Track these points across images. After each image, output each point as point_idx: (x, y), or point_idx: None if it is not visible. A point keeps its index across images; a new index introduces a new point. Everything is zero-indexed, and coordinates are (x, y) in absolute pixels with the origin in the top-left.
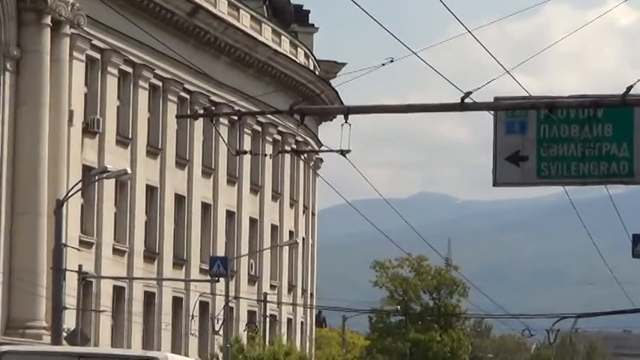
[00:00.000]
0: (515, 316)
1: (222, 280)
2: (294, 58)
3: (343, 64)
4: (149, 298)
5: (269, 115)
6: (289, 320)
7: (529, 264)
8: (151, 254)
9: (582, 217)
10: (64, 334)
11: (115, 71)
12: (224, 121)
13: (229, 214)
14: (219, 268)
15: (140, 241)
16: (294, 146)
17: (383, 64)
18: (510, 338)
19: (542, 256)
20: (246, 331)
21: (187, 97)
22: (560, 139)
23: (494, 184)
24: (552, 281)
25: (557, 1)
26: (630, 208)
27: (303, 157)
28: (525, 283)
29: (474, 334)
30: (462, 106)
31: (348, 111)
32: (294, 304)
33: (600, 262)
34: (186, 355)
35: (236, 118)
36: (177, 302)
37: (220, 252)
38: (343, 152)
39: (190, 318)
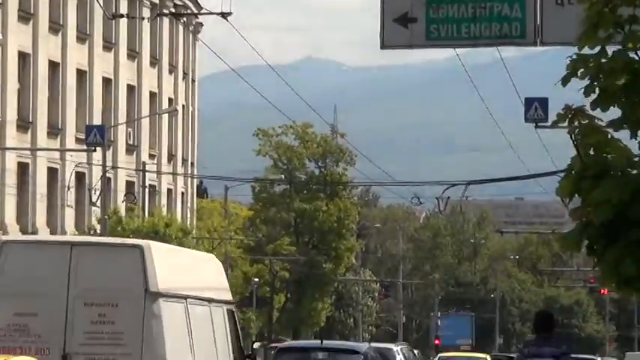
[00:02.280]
0: (403, 183)
1: (99, 149)
2: None
3: None
4: (23, 168)
5: None
6: (169, 191)
7: (418, 131)
8: (25, 123)
9: (474, 81)
10: None
11: None
12: None
13: (106, 81)
14: (96, 136)
15: (13, 110)
16: (173, 9)
17: None
18: (399, 207)
19: (432, 123)
20: (124, 203)
21: None
22: None
23: (382, 46)
24: (442, 148)
25: None
26: (523, 72)
27: (182, 21)
28: (414, 151)
29: (361, 203)
30: None
31: None
32: (174, 174)
33: (492, 128)
34: (62, 228)
35: None
36: (52, 173)
37: (97, 120)
38: (224, 15)
39: (66, 189)
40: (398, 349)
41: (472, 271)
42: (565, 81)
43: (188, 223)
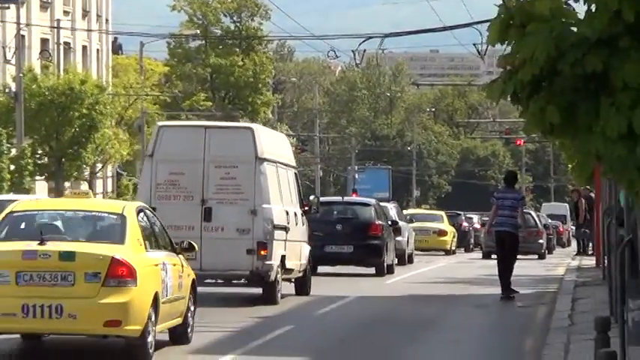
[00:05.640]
0: (319, 37)
1: (12, 6)
2: None
3: None
4: None
5: None
6: (84, 47)
7: None
8: None
9: None
10: None
11: None
12: None
13: None
14: None
15: None
16: None
17: None
18: (314, 61)
19: None
20: (39, 60)
21: None
22: None
23: None
24: (357, 1)
25: None
26: None
27: None
28: (328, 4)
29: (277, 57)
30: None
31: None
32: (88, 31)
33: None
34: None
35: None
36: None
37: None
38: None
39: None
40: (391, 206)
41: (388, 124)
42: None
43: (104, 79)
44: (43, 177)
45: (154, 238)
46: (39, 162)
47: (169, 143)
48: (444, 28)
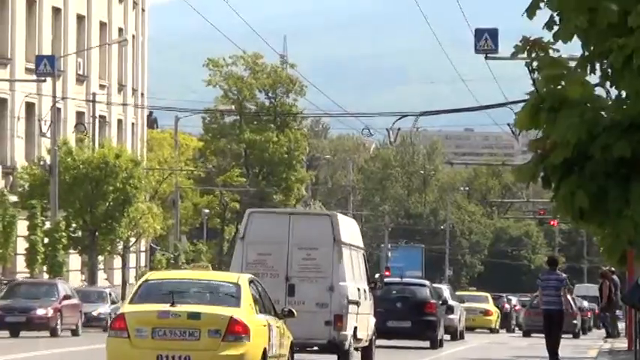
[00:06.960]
0: (354, 114)
1: (49, 79)
2: None
3: None
4: None
5: None
6: (119, 121)
7: (368, 61)
8: None
9: (424, 11)
10: None
11: None
12: None
13: (55, 11)
14: (46, 66)
15: None
16: None
17: None
18: (349, 138)
19: (382, 54)
20: (74, 133)
21: None
22: None
23: None
24: (392, 79)
25: None
26: (473, 1)
27: None
28: (364, 82)
29: (311, 134)
30: None
31: None
32: (124, 105)
33: (442, 58)
34: (12, 159)
35: None
36: (1, 103)
37: (47, 51)
38: None
39: (16, 120)
40: (445, 287)
41: (422, 202)
42: (531, 12)
43: (138, 153)
44: (77, 250)
45: (261, 304)
46: (73, 235)
47: (258, 227)
48: (479, 108)
